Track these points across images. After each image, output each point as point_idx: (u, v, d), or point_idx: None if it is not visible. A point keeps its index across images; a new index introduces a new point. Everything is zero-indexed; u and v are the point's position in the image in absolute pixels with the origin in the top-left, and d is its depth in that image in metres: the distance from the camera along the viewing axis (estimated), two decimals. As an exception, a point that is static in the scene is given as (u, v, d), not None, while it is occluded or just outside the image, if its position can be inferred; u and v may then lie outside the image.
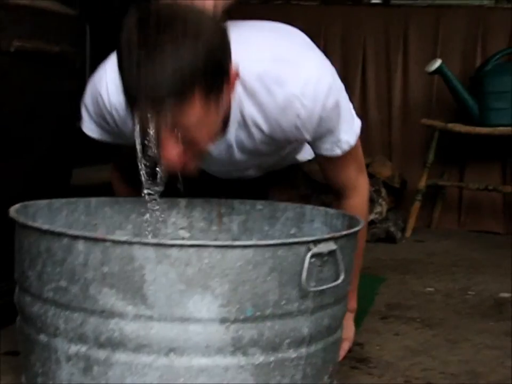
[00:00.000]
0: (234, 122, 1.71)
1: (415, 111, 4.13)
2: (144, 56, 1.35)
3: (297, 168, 2.21)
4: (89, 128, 1.87)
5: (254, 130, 1.72)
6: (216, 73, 1.43)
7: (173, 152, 1.45)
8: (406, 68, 4.17)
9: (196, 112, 1.41)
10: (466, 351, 2.06)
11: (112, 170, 2.06)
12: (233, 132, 1.73)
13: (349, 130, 1.78)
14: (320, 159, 1.86)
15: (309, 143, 1.81)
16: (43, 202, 1.68)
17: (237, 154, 1.81)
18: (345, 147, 1.79)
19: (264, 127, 1.71)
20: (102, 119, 1.81)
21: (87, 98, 1.83)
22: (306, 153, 2.05)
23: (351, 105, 1.81)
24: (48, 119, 2.20)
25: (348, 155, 1.82)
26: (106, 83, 1.74)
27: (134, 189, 2.04)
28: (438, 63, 3.66)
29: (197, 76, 1.37)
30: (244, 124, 1.71)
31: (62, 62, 2.23)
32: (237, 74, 1.53)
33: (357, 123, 1.82)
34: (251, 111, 1.68)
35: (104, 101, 1.76)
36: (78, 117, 1.91)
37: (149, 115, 1.38)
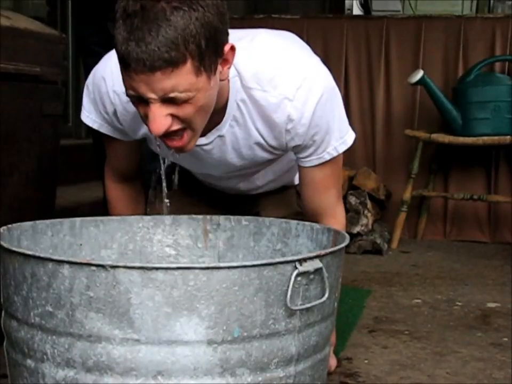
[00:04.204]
0: (230, 114, 1.74)
1: (398, 122, 4.14)
2: (138, 23, 1.40)
3: (290, 186, 2.22)
4: (89, 117, 1.89)
5: (250, 125, 1.75)
6: (209, 44, 1.46)
7: (162, 123, 1.49)
8: (388, 79, 4.17)
9: (186, 80, 1.45)
10: (454, 363, 2.07)
11: (106, 170, 2.07)
12: (227, 125, 1.76)
13: (339, 138, 1.81)
14: (304, 177, 1.87)
15: (297, 154, 1.82)
16: (27, 224, 1.66)
17: (230, 153, 1.83)
18: (333, 153, 1.81)
19: (260, 124, 1.74)
20: (102, 106, 1.83)
21: (89, 84, 1.85)
22: None
23: (345, 117, 1.84)
24: (30, 140, 2.19)
25: (330, 173, 1.85)
26: (111, 68, 1.76)
27: (126, 188, 2.05)
28: (420, 74, 3.67)
29: (188, 44, 1.42)
30: (241, 117, 1.74)
31: (43, 82, 2.23)
32: (233, 50, 1.56)
33: (350, 134, 1.85)
34: (247, 105, 1.73)
35: (107, 85, 1.79)
36: (61, 135, 1.90)
37: (141, 81, 1.43)
